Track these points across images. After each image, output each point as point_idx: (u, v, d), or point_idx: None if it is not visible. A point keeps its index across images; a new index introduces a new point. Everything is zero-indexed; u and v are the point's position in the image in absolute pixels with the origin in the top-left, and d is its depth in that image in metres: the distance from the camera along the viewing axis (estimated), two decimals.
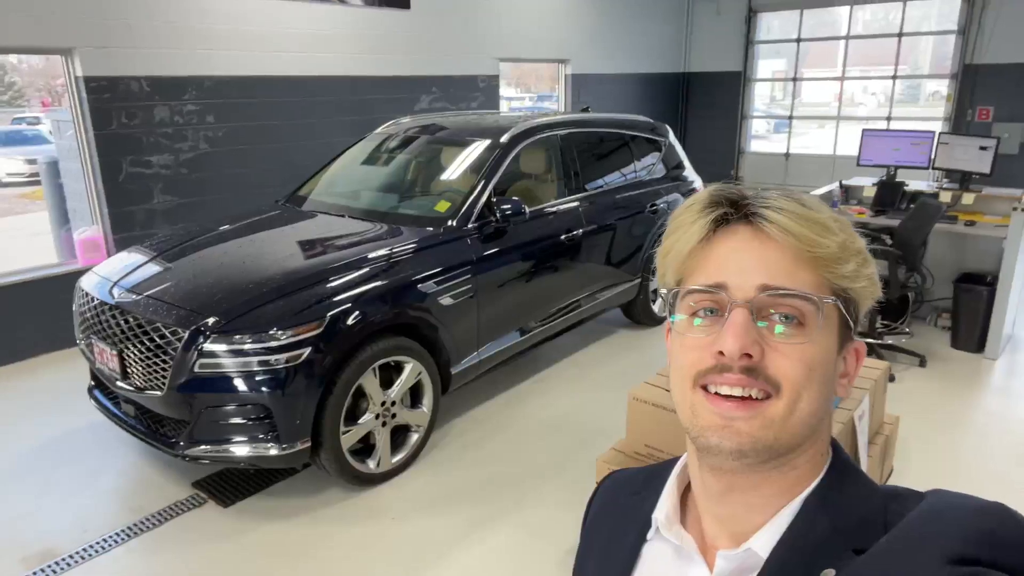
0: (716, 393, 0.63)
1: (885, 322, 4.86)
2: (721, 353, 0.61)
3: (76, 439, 3.61)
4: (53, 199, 6.05)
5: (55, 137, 6.24)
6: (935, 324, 5.06)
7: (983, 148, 4.80)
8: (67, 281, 4.82)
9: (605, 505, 0.86)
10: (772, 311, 0.62)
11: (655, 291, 5.03)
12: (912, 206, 4.73)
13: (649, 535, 0.74)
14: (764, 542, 0.64)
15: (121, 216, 5.02)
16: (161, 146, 5.16)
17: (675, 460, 0.79)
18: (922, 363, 4.41)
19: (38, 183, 14.18)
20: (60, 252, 5.84)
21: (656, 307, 5.11)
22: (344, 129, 6.16)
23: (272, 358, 2.75)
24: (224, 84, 5.46)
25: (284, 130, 5.89)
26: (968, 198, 4.80)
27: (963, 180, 4.97)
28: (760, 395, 0.61)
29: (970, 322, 4.62)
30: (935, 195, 4.88)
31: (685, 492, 0.75)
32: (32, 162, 14.29)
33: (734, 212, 0.65)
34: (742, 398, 0.61)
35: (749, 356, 0.61)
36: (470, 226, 3.61)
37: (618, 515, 0.81)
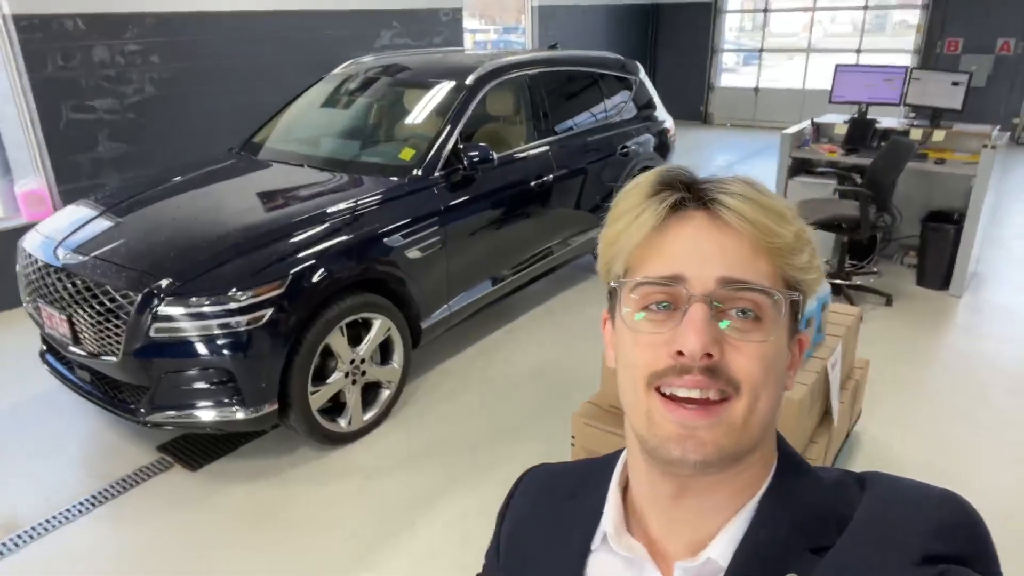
0: (672, 396, 0.59)
1: (852, 262, 4.89)
2: (680, 353, 0.58)
3: (30, 406, 3.47)
4: None
5: None
6: (901, 262, 5.11)
7: (955, 84, 4.74)
8: (11, 238, 4.56)
9: (531, 512, 0.79)
10: (730, 305, 0.59)
11: None
12: (883, 144, 4.70)
13: (594, 546, 0.70)
14: (723, 549, 0.62)
15: (65, 165, 4.73)
16: (103, 89, 4.83)
17: (609, 459, 0.75)
18: (888, 302, 4.46)
19: None
20: (5, 207, 5.53)
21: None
22: (300, 69, 5.82)
23: (232, 320, 2.63)
24: (168, 21, 5.09)
25: (235, 71, 5.56)
26: (939, 135, 4.77)
27: (934, 117, 4.93)
28: (717, 396, 0.58)
29: (936, 260, 4.66)
30: (906, 132, 4.84)
31: (624, 495, 0.72)
32: None
33: (689, 196, 0.61)
34: (700, 401, 0.58)
35: (710, 356, 0.57)
36: (436, 174, 3.47)
37: (550, 523, 0.75)
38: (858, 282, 4.59)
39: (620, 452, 0.74)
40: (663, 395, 0.59)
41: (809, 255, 0.62)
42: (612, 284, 0.65)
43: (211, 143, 5.22)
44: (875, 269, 4.91)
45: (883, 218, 4.40)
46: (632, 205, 0.63)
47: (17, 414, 3.41)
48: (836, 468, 0.66)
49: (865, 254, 4.97)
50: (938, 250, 4.65)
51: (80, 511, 2.76)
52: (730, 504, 0.63)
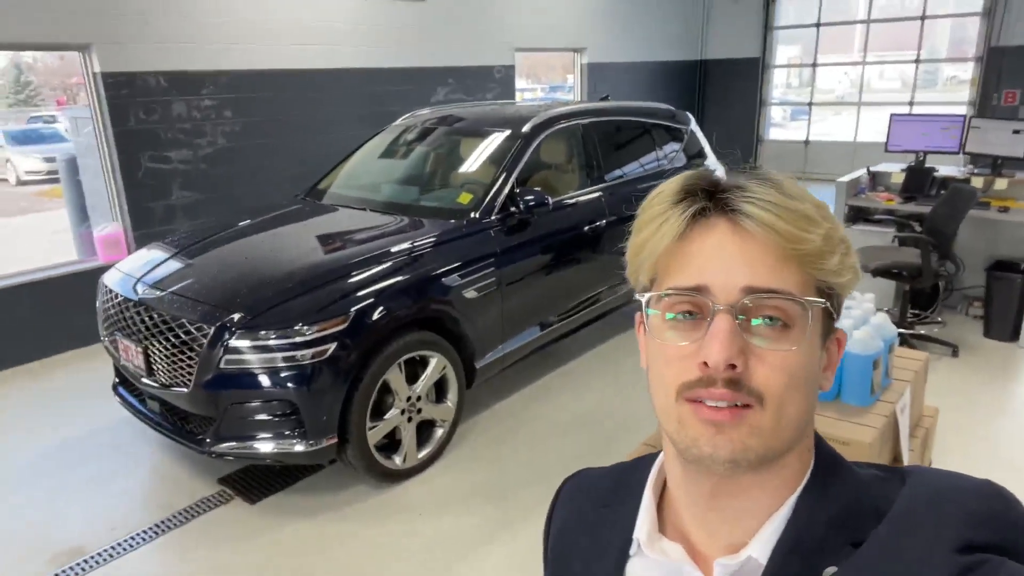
0: (702, 404, 0.59)
1: (915, 311, 4.76)
2: (705, 364, 0.58)
3: (100, 437, 3.60)
4: (72, 196, 6.05)
5: (73, 134, 6.23)
6: (966, 313, 4.95)
7: (1016, 132, 4.67)
8: (88, 278, 4.81)
9: (572, 519, 0.80)
10: (756, 314, 0.59)
11: None
12: (942, 192, 4.63)
13: (631, 551, 0.70)
14: (762, 547, 0.61)
15: (141, 212, 5.01)
16: (179, 141, 5.14)
17: (646, 461, 0.75)
18: (954, 353, 4.31)
19: (56, 181, 14.30)
20: (80, 249, 5.85)
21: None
22: (361, 122, 6.12)
23: (298, 353, 2.72)
24: (241, 78, 5.43)
25: (301, 124, 5.86)
26: (1001, 183, 4.68)
27: (995, 165, 4.84)
28: (742, 403, 0.58)
29: (1003, 310, 4.51)
30: (967, 181, 4.76)
31: (660, 498, 0.72)
32: (50, 160, 14.39)
33: (711, 205, 0.61)
34: (728, 408, 0.58)
35: (734, 367, 0.57)
36: (493, 218, 3.56)
37: (589, 531, 0.76)
38: (922, 331, 4.46)
39: (654, 456, 0.75)
40: (693, 403, 0.60)
41: (841, 256, 0.61)
42: (638, 295, 0.66)
43: (276, 191, 5.47)
44: (939, 319, 4.77)
45: (945, 266, 4.30)
46: (656, 214, 0.63)
47: (88, 444, 3.54)
48: (875, 463, 0.66)
49: (928, 304, 4.84)
50: (1005, 300, 4.49)
51: (143, 540, 2.83)
52: (768, 503, 0.62)
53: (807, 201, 0.60)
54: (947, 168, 5.20)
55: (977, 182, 4.71)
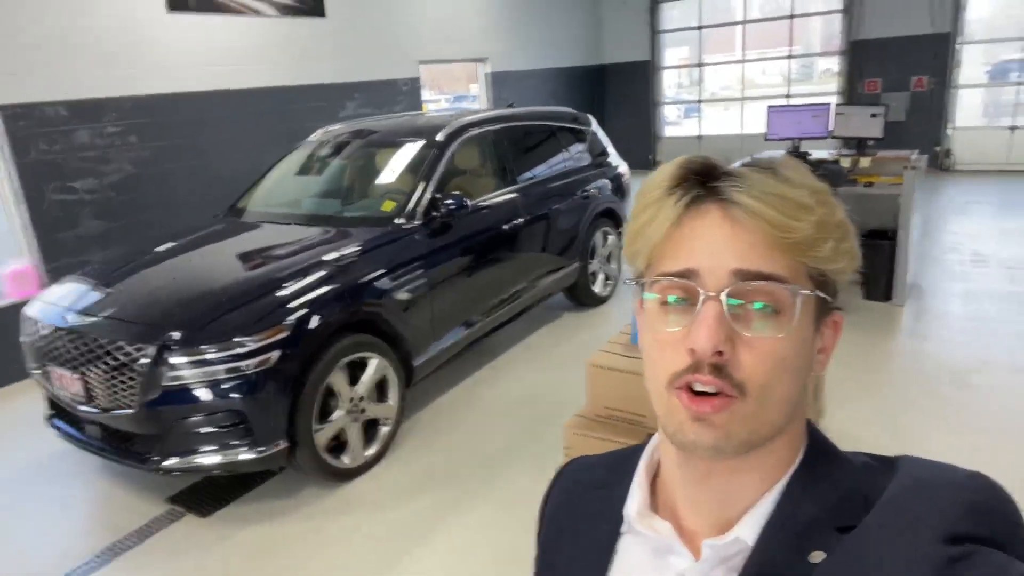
0: (689, 389, 0.61)
1: None
2: (693, 350, 0.59)
3: (37, 471, 3.54)
4: None
5: None
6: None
7: (874, 115, 5.28)
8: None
9: (566, 502, 0.82)
10: (746, 298, 0.60)
11: (592, 273, 5.29)
12: (818, 173, 5.16)
13: (623, 528, 0.72)
14: (751, 528, 0.62)
15: (51, 244, 4.89)
16: (85, 170, 5.04)
17: (638, 448, 0.77)
18: None
19: None
20: None
21: (597, 287, 5.36)
22: (271, 141, 6.14)
23: (242, 364, 2.82)
24: (145, 104, 5.37)
25: (210, 146, 5.84)
26: (865, 162, 5.27)
27: (859, 146, 5.45)
28: (729, 392, 0.60)
29: (877, 274, 5.08)
30: (836, 161, 5.33)
31: (654, 479, 0.74)
32: None
33: (704, 193, 0.62)
34: (715, 395, 0.60)
35: (721, 353, 0.58)
36: (416, 223, 3.75)
37: (583, 512, 0.78)
38: None
39: (648, 439, 0.77)
40: (680, 391, 0.61)
41: (835, 242, 0.61)
42: (632, 280, 0.67)
43: (190, 215, 5.43)
44: None
45: None
46: (651, 201, 0.64)
47: (28, 478, 3.48)
48: (867, 452, 0.68)
49: None
50: (878, 264, 5.06)
51: (96, 564, 2.84)
52: (758, 486, 0.64)
53: (803, 187, 0.61)
54: (819, 152, 5.78)
55: (845, 162, 5.29)
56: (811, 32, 13.29)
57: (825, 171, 4.83)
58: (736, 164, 0.65)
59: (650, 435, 0.77)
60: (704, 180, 0.62)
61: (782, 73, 11.35)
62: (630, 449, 0.80)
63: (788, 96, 10.66)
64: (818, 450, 0.67)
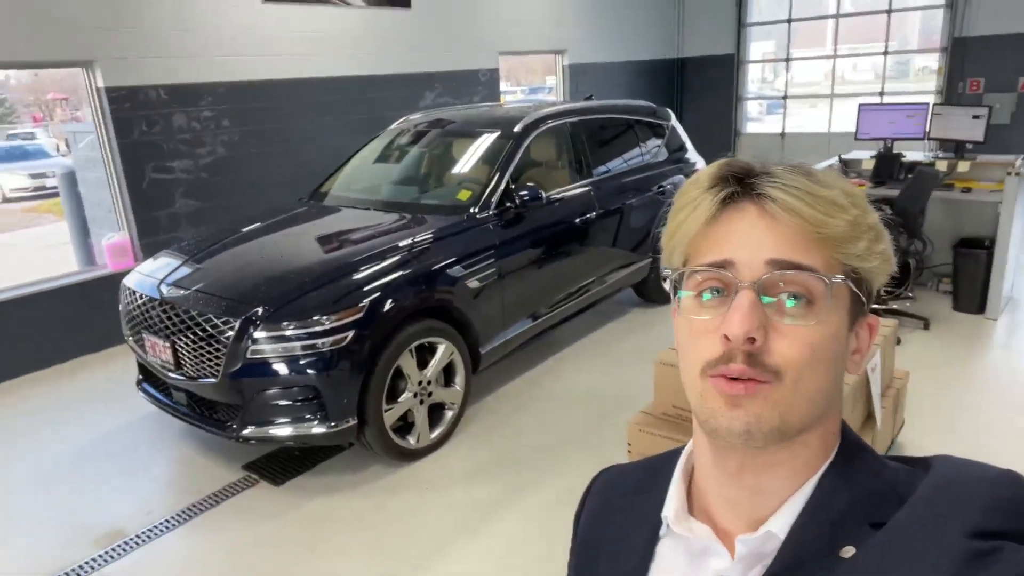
0: (723, 376, 0.62)
1: (888, 288, 5.05)
2: (727, 337, 0.60)
3: (126, 432, 3.79)
4: (72, 209, 6.21)
5: (72, 148, 6.38)
6: (936, 289, 5.24)
7: (976, 117, 4.97)
8: (97, 285, 5.00)
9: (604, 507, 0.83)
10: (780, 289, 0.61)
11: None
12: (910, 176, 4.92)
13: (661, 532, 0.73)
14: (782, 523, 0.63)
15: (146, 221, 5.19)
16: (181, 152, 5.32)
17: (675, 452, 0.79)
18: (926, 326, 4.60)
19: (43, 196, 14.35)
20: (81, 260, 6.01)
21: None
22: (352, 128, 6.32)
23: (319, 342, 2.93)
24: (236, 89, 5.61)
25: (295, 132, 6.05)
26: (963, 166, 4.98)
27: (958, 149, 5.15)
28: (763, 378, 0.60)
29: (970, 285, 4.80)
30: (931, 164, 5.06)
31: (689, 484, 0.75)
32: (37, 176, 14.44)
33: (740, 190, 0.64)
34: (748, 380, 0.61)
35: (753, 340, 0.59)
36: (491, 212, 3.79)
37: (622, 516, 0.79)
38: (895, 307, 4.75)
39: (683, 446, 0.78)
40: (714, 378, 0.62)
41: (868, 241, 0.62)
42: (671, 273, 0.68)
43: (274, 197, 5.67)
44: (911, 295, 5.06)
45: (915, 245, 4.59)
46: (689, 200, 0.66)
47: (114, 440, 3.73)
48: (903, 456, 0.69)
49: (900, 282, 5.12)
50: (971, 275, 4.79)
51: (178, 522, 3.03)
52: (790, 483, 0.64)
53: (836, 188, 0.62)
54: (913, 153, 5.50)
55: (941, 165, 5.01)
56: (908, 28, 12.62)
57: (919, 174, 4.59)
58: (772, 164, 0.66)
59: (685, 442, 0.78)
60: (740, 180, 0.64)
61: (875, 70, 10.81)
62: (665, 455, 0.81)
63: (882, 94, 10.15)
64: (851, 448, 0.67)
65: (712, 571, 0.66)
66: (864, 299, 0.65)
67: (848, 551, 0.59)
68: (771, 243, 0.61)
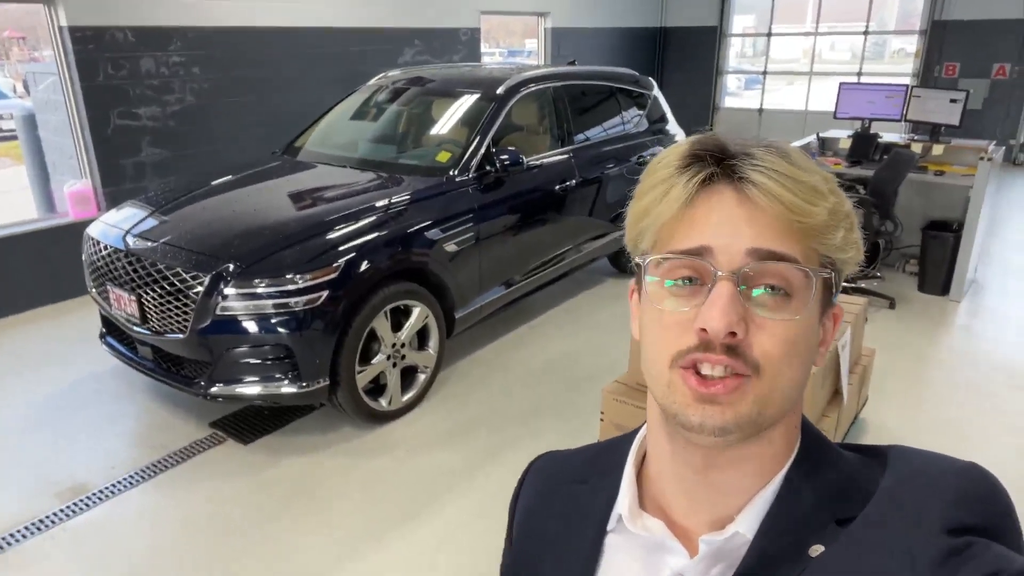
0: (695, 371, 0.58)
1: (858, 267, 5.13)
2: (704, 330, 0.56)
3: (92, 384, 3.70)
4: (31, 153, 5.96)
5: (32, 90, 6.09)
6: (903, 271, 5.35)
7: (953, 101, 5.02)
8: (58, 234, 4.83)
9: (543, 498, 0.79)
10: (759, 280, 0.58)
11: None
12: (885, 157, 4.97)
13: (610, 527, 0.69)
14: (749, 523, 0.61)
15: (110, 169, 5.00)
16: (148, 98, 5.12)
17: (619, 442, 0.75)
18: (891, 305, 4.70)
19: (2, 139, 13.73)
20: (41, 207, 5.79)
21: None
22: (328, 83, 6.14)
23: (291, 300, 2.87)
24: (208, 35, 5.40)
25: (268, 83, 5.86)
26: (938, 149, 5.05)
27: (933, 132, 5.21)
28: (741, 372, 0.57)
29: (936, 267, 4.91)
30: (907, 146, 5.11)
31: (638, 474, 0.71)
32: None
33: (719, 171, 0.59)
34: (723, 378, 0.57)
35: (734, 334, 0.56)
36: (470, 176, 3.73)
37: (563, 509, 0.75)
38: (862, 285, 4.83)
39: (632, 435, 0.74)
40: (685, 370, 0.59)
41: (845, 231, 0.60)
42: (637, 259, 0.64)
43: (245, 150, 5.50)
44: (878, 274, 5.15)
45: (886, 225, 4.66)
46: (661, 179, 0.61)
47: (79, 392, 3.64)
48: (857, 443, 0.68)
49: (869, 261, 5.21)
50: (938, 257, 4.89)
51: (142, 478, 2.98)
52: (754, 481, 0.62)
53: (815, 173, 0.60)
54: (890, 135, 5.55)
55: (917, 147, 5.07)
56: (887, 10, 12.67)
57: (895, 155, 4.63)
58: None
59: (635, 429, 0.74)
60: (718, 160, 0.60)
61: (852, 50, 10.85)
62: (609, 443, 0.78)
63: (860, 75, 10.21)
64: (813, 442, 0.65)
65: (669, 569, 0.64)
66: (834, 290, 0.63)
67: (816, 549, 0.58)
68: (751, 231, 0.58)
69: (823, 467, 0.63)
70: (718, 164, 0.59)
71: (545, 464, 0.83)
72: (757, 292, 0.58)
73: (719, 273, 0.57)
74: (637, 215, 0.63)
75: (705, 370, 0.57)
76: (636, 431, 0.74)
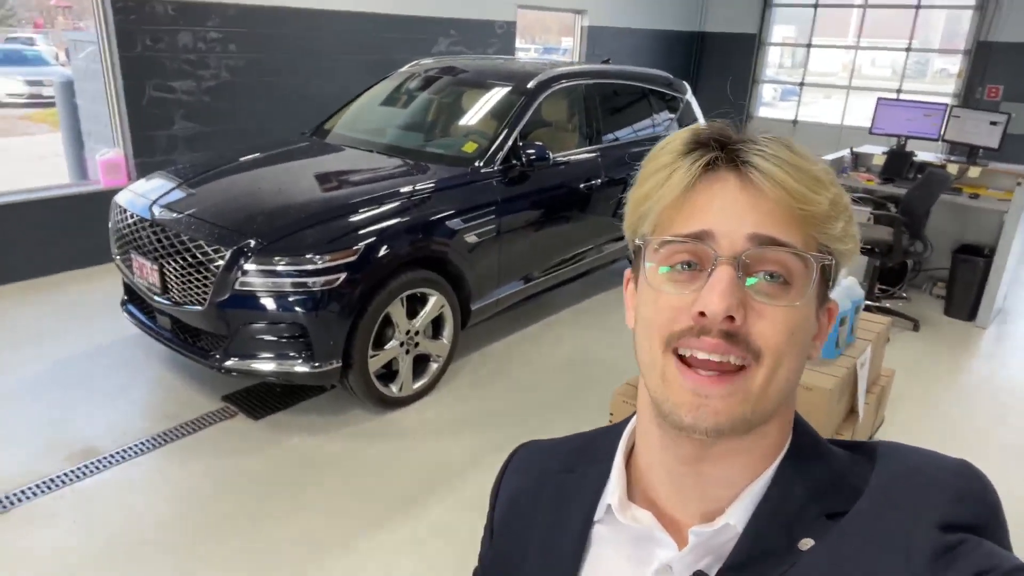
0: (690, 358, 0.58)
1: (883, 286, 5.04)
2: (702, 314, 0.56)
3: (107, 351, 3.75)
4: (67, 120, 6.05)
5: (72, 58, 6.19)
6: (930, 293, 5.25)
7: (993, 123, 4.91)
8: (88, 201, 4.90)
9: (527, 487, 0.78)
10: (759, 267, 0.58)
11: None
12: (919, 176, 4.87)
13: (597, 517, 0.69)
14: (740, 515, 0.60)
15: (142, 140, 5.06)
16: (184, 72, 5.17)
17: (606, 432, 0.75)
18: (915, 327, 4.61)
19: (38, 105, 14.01)
20: (74, 173, 5.88)
21: None
22: (362, 68, 6.16)
23: (309, 280, 2.88)
24: (247, 13, 5.43)
25: (302, 64, 5.89)
26: (975, 171, 4.94)
27: (971, 154, 5.09)
28: (737, 362, 0.57)
29: (964, 291, 4.81)
30: (943, 167, 5.01)
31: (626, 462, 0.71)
32: (34, 84, 14.07)
33: (723, 156, 0.59)
34: (717, 367, 0.57)
35: (732, 319, 0.55)
36: (496, 168, 3.71)
37: (549, 498, 0.74)
38: (888, 305, 4.75)
39: (621, 424, 0.74)
40: (680, 357, 0.58)
41: (845, 223, 0.60)
42: (637, 242, 0.63)
43: (276, 129, 5.54)
44: (904, 295, 5.06)
45: (915, 245, 4.56)
46: (664, 164, 0.60)
47: (98, 357, 3.69)
48: (842, 440, 0.68)
49: (896, 281, 5.12)
50: (967, 281, 4.79)
51: (152, 446, 3.01)
52: (746, 473, 0.62)
53: (817, 164, 0.60)
54: (926, 154, 5.44)
55: (952, 168, 4.96)
56: (932, 28, 12.41)
57: (929, 175, 4.54)
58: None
59: (626, 419, 0.73)
60: (721, 145, 0.60)
61: (893, 67, 10.65)
62: (595, 433, 0.77)
63: (899, 92, 10.02)
64: (804, 436, 0.65)
65: (657, 561, 0.63)
66: (831, 282, 0.63)
67: (806, 543, 0.58)
68: (753, 216, 0.57)
69: (814, 462, 0.63)
70: (721, 149, 0.59)
71: (529, 453, 0.82)
72: (755, 280, 0.57)
73: (720, 257, 0.57)
74: (638, 200, 0.63)
75: (700, 356, 0.57)
76: (624, 423, 0.74)
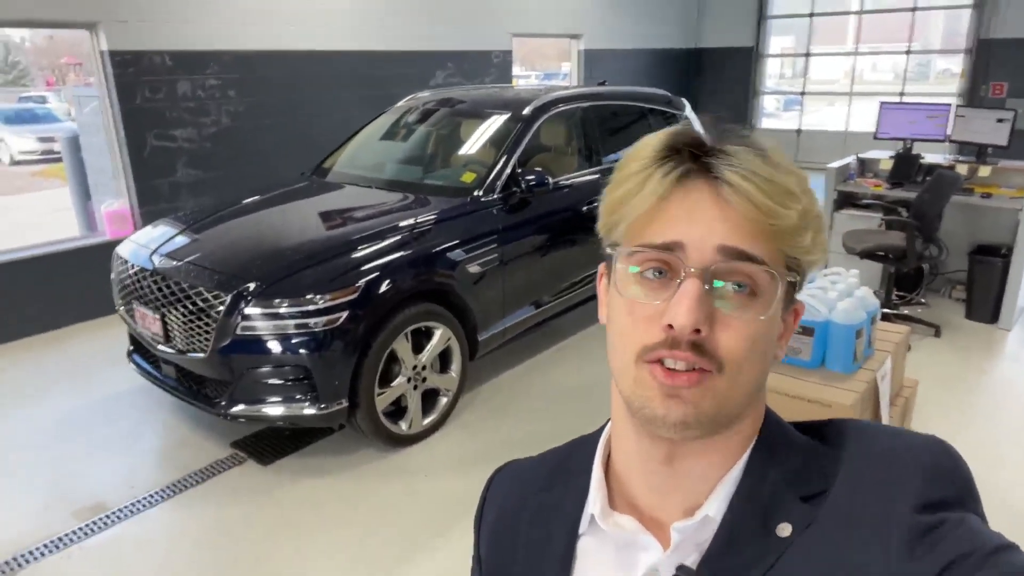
0: (661, 364, 0.59)
1: (900, 293, 4.93)
2: (671, 326, 0.57)
3: (115, 403, 3.73)
4: (74, 174, 6.14)
5: (76, 112, 6.30)
6: (949, 296, 5.12)
7: (1000, 120, 4.83)
8: (95, 253, 4.92)
9: (508, 510, 0.78)
10: (726, 278, 0.59)
11: None
12: (928, 179, 4.78)
13: (581, 530, 0.69)
14: (718, 506, 0.62)
15: (147, 189, 5.10)
16: (184, 120, 5.23)
17: (581, 442, 0.76)
18: (937, 333, 4.49)
19: (51, 160, 14.29)
20: (83, 225, 5.95)
21: None
22: (361, 104, 6.20)
23: (311, 321, 2.85)
24: (243, 59, 5.50)
25: (302, 105, 5.95)
26: (984, 170, 4.84)
27: (979, 153, 5.00)
28: (706, 367, 0.58)
29: (984, 293, 4.68)
30: (951, 168, 4.92)
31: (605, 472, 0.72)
32: (45, 140, 14.38)
33: (695, 167, 0.60)
34: (687, 371, 0.58)
35: (699, 331, 0.57)
36: (496, 196, 3.68)
37: (530, 518, 0.74)
38: (906, 312, 4.64)
39: (595, 434, 0.75)
40: (651, 364, 0.60)
41: (813, 234, 0.61)
42: (609, 249, 0.65)
43: (278, 171, 5.57)
44: (923, 301, 4.94)
45: (929, 249, 4.46)
46: (637, 170, 0.61)
47: (103, 409, 3.66)
48: (810, 421, 0.69)
49: (913, 287, 5.01)
50: (986, 283, 4.67)
51: (161, 498, 2.96)
52: (721, 467, 0.63)
53: (791, 174, 0.60)
54: (933, 155, 5.36)
55: (962, 169, 4.87)
56: (931, 29, 12.37)
57: (938, 176, 4.45)
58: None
59: (599, 429, 0.74)
60: (694, 155, 0.60)
61: (895, 70, 10.61)
62: (569, 446, 0.78)
63: (902, 95, 9.96)
64: (772, 424, 0.67)
65: (644, 565, 0.63)
66: (797, 290, 0.64)
67: (785, 528, 0.59)
68: (723, 229, 0.58)
69: (783, 448, 0.64)
70: (695, 160, 0.60)
71: (507, 476, 0.82)
72: (721, 284, 0.59)
73: (689, 269, 0.58)
74: (612, 204, 0.63)
75: (668, 364, 0.58)
76: (598, 432, 0.74)
